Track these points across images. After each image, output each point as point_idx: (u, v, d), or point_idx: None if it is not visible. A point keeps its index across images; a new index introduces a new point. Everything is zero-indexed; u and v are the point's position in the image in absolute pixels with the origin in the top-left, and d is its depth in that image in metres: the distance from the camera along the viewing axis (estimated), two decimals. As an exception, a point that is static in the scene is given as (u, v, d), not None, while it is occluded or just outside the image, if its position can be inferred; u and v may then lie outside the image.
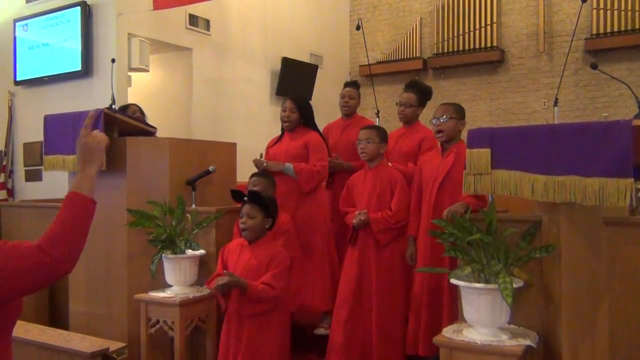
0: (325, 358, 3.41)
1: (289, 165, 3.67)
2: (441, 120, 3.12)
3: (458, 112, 3.18)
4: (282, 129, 3.94)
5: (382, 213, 3.28)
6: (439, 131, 3.14)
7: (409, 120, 3.95)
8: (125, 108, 4.65)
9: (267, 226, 2.96)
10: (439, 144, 3.31)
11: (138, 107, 4.81)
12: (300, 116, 3.81)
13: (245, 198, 2.95)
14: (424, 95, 3.96)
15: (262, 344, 2.85)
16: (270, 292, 2.79)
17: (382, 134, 3.43)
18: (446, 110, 3.16)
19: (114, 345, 3.41)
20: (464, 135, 2.76)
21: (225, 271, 2.82)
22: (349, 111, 4.15)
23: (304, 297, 3.60)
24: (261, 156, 3.80)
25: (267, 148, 3.98)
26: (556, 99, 4.11)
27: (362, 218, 3.25)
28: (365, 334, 3.30)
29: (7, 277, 1.40)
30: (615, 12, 7.36)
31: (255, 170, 3.70)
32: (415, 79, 4.30)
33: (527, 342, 2.33)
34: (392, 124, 7.63)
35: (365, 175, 3.42)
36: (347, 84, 4.25)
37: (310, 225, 3.68)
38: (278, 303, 2.88)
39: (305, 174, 3.66)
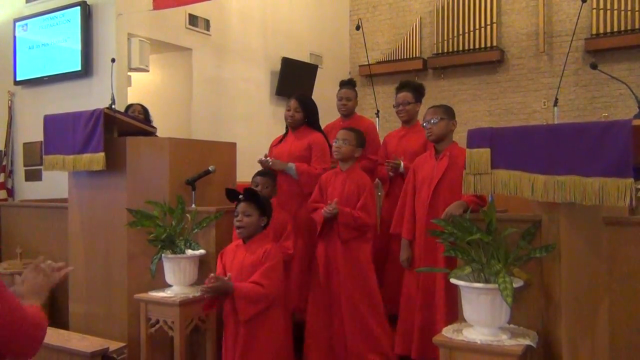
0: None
1: (292, 165, 3.68)
2: (432, 122, 3.17)
3: (447, 113, 3.22)
4: (286, 127, 3.94)
5: (350, 209, 3.33)
6: (431, 133, 3.18)
7: (411, 119, 3.98)
8: (128, 108, 4.66)
9: (262, 224, 2.96)
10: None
11: (141, 107, 4.81)
12: (304, 116, 3.81)
13: (241, 196, 2.95)
14: (418, 91, 4.01)
15: (260, 345, 2.84)
16: (260, 291, 2.76)
17: (360, 138, 3.47)
18: (435, 112, 3.20)
19: (113, 345, 3.41)
20: (463, 135, 2.76)
21: (211, 274, 2.77)
22: (347, 112, 4.17)
23: (306, 297, 3.61)
24: (265, 156, 3.80)
25: (271, 147, 3.98)
26: (556, 99, 4.12)
27: (333, 209, 3.27)
28: (335, 322, 3.38)
29: None
30: (615, 12, 7.35)
31: (259, 169, 3.70)
32: (404, 80, 4.33)
33: (527, 342, 2.33)
34: (392, 124, 7.63)
35: (336, 177, 3.47)
36: (342, 84, 4.25)
37: (311, 226, 3.68)
38: (273, 302, 2.86)
39: (306, 176, 3.67)
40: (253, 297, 2.75)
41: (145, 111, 4.78)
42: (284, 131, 3.98)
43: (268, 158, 3.74)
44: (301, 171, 3.67)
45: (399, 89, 4.05)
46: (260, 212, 2.93)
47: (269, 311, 2.86)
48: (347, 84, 4.26)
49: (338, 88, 4.27)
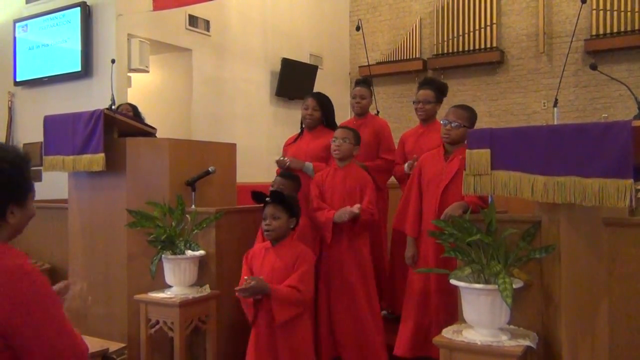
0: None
1: (309, 165, 3.67)
2: (452, 125, 3.07)
3: (470, 121, 3.12)
4: (301, 126, 3.93)
5: (367, 206, 3.32)
6: (448, 135, 3.11)
7: (428, 118, 3.89)
8: (117, 109, 4.65)
9: (291, 226, 2.87)
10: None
11: (129, 105, 4.80)
12: (322, 115, 3.82)
13: (267, 199, 2.85)
14: (440, 91, 3.90)
15: (298, 348, 2.79)
16: (298, 295, 2.69)
17: (357, 137, 3.48)
18: (458, 115, 3.10)
19: (113, 346, 3.41)
20: (464, 135, 2.76)
21: (247, 277, 2.71)
22: (361, 110, 4.13)
23: None
24: (282, 156, 3.77)
25: (285, 146, 3.97)
26: (556, 99, 4.11)
27: (356, 211, 3.24)
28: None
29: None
30: (615, 13, 7.36)
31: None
32: (429, 76, 4.26)
33: (527, 343, 2.33)
34: (391, 125, 7.60)
35: (335, 174, 3.46)
36: (357, 82, 4.24)
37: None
38: (307, 306, 2.83)
39: None
40: (291, 300, 2.69)
41: (134, 109, 4.77)
42: (298, 131, 3.97)
43: (285, 157, 3.70)
44: (318, 170, 3.64)
45: (421, 86, 3.92)
46: (289, 214, 2.83)
47: (302, 316, 2.82)
48: (363, 82, 4.23)
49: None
